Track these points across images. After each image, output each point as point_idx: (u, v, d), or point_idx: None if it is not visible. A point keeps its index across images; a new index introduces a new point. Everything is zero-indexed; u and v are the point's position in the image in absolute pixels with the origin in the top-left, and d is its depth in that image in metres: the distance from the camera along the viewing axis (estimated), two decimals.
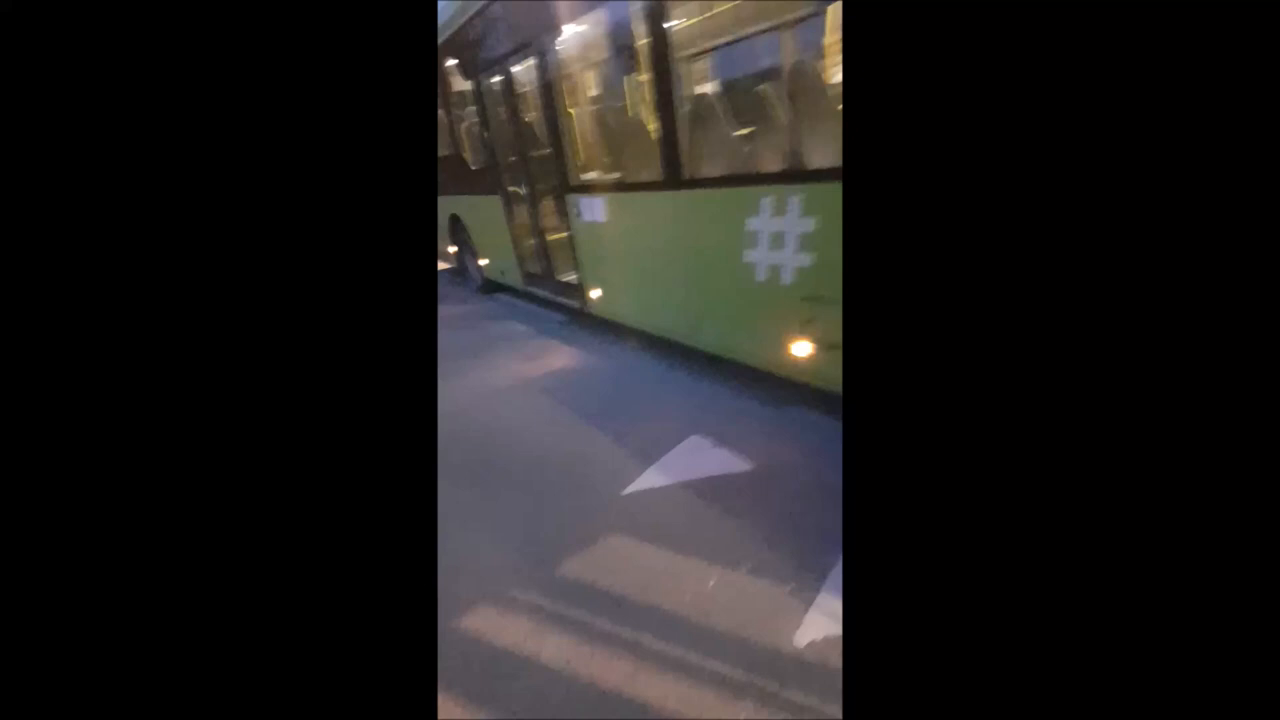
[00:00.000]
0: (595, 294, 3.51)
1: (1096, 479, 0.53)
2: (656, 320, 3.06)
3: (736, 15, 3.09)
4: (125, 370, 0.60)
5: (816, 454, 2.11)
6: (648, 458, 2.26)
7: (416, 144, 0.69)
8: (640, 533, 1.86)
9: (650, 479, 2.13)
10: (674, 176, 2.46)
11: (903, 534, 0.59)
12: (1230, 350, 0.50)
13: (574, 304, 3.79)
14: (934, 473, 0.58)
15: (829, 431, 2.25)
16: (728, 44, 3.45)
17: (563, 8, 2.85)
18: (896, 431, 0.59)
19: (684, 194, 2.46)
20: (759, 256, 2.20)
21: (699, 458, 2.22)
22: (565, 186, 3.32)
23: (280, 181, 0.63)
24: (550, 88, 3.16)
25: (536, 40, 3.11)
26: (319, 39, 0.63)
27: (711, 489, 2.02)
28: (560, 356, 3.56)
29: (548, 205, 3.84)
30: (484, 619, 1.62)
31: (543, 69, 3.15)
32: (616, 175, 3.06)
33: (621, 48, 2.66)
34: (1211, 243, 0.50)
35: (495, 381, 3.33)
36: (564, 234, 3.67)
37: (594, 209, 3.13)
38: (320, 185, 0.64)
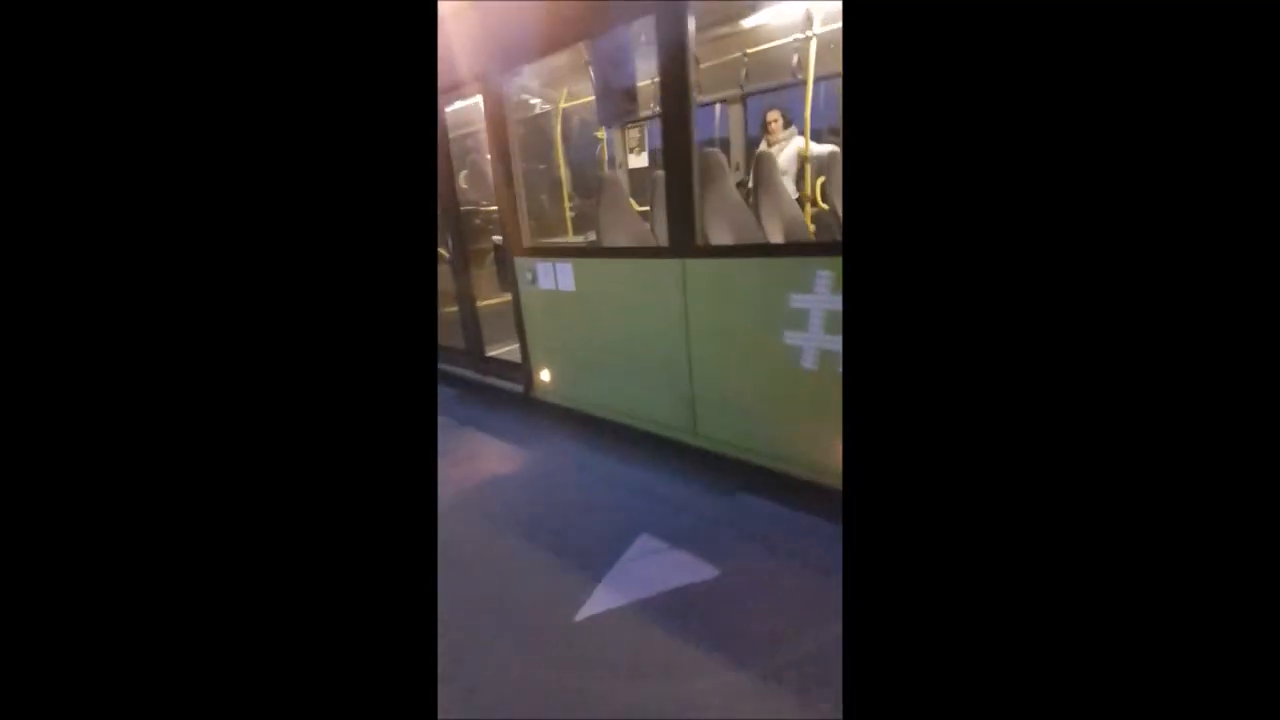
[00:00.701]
0: (545, 375, 2.87)
1: (1113, 563, 0.51)
2: (637, 410, 2.50)
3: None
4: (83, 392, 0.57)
5: (782, 550, 1.86)
6: (594, 569, 1.86)
7: (416, 154, 0.66)
8: (607, 680, 1.43)
9: (604, 599, 1.73)
10: (685, 241, 2.02)
11: (908, 649, 0.56)
12: (1224, 378, 0.48)
13: (512, 386, 3.10)
14: (941, 582, 0.55)
15: (789, 523, 2.00)
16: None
17: (523, 43, 2.39)
18: (901, 536, 0.56)
19: (700, 262, 2.02)
20: (808, 340, 1.80)
21: (655, 565, 1.86)
22: (518, 248, 2.73)
23: (280, 187, 0.60)
24: (501, 134, 2.63)
25: (482, 78, 2.60)
26: (314, 41, 0.60)
27: (680, 605, 1.67)
28: (491, 459, 2.82)
29: (482, 269, 3.20)
30: None
31: (492, 111, 2.63)
32: (587, 237, 2.56)
33: (615, 90, 2.23)
34: (1212, 272, 0.48)
35: None
36: (499, 301, 3.04)
37: (557, 275, 2.57)
38: (318, 193, 0.61)
